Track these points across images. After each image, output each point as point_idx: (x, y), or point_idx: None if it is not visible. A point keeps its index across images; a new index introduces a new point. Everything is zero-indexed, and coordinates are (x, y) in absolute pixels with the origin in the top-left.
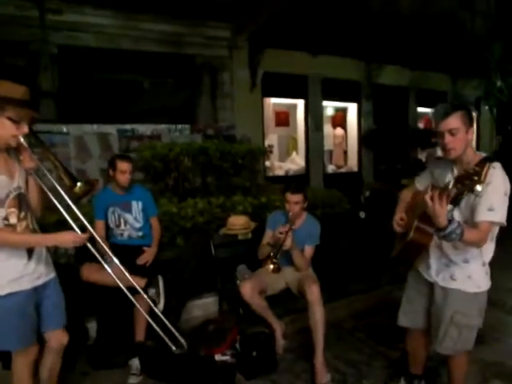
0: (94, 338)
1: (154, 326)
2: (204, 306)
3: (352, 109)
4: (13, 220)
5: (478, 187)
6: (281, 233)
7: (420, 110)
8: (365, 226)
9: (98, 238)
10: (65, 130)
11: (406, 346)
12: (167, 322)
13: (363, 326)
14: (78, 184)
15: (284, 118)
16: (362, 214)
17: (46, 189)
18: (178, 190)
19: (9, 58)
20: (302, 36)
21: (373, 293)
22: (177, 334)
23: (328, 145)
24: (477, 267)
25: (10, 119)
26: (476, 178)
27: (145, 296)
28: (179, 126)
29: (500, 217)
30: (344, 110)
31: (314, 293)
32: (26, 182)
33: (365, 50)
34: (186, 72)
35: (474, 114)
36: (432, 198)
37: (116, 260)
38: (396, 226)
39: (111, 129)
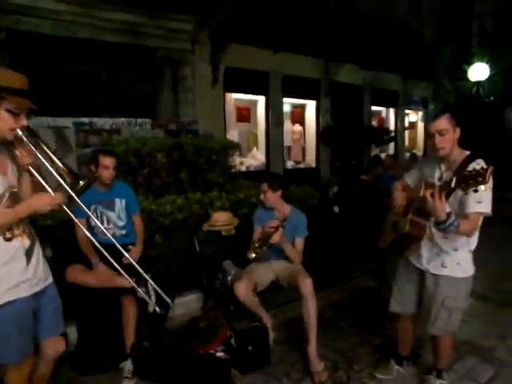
0: (74, 344)
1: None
2: (186, 304)
3: (311, 106)
4: None
5: (482, 187)
6: (271, 227)
7: (374, 108)
8: (338, 219)
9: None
10: None
11: (387, 331)
12: (151, 282)
13: (344, 316)
14: (81, 182)
15: (245, 114)
16: (336, 209)
17: (45, 185)
18: (151, 185)
19: None
20: (264, 33)
21: (347, 284)
22: (162, 294)
23: (287, 141)
24: (464, 254)
25: (9, 111)
26: (480, 179)
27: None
28: (139, 120)
29: (487, 208)
30: (303, 107)
31: (307, 286)
32: (18, 180)
33: (324, 48)
34: (146, 64)
35: (421, 113)
36: (432, 195)
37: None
38: (393, 217)
39: (67, 122)
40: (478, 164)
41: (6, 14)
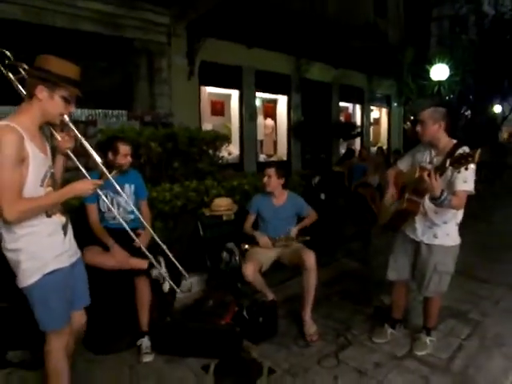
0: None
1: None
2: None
3: (282, 101)
4: None
5: (472, 165)
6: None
7: (341, 104)
8: (324, 206)
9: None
10: None
11: (376, 303)
12: (171, 255)
13: (335, 293)
14: (114, 172)
15: (219, 108)
16: (323, 196)
17: (82, 168)
18: (145, 174)
19: None
20: (239, 28)
21: (333, 265)
22: (180, 268)
23: (259, 135)
24: (453, 226)
25: (64, 98)
26: (470, 158)
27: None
28: (116, 112)
29: (471, 187)
30: (275, 102)
31: (311, 260)
32: (53, 161)
33: (295, 45)
34: (122, 55)
35: (385, 110)
36: (429, 176)
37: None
38: (390, 198)
39: None
40: (464, 150)
41: None
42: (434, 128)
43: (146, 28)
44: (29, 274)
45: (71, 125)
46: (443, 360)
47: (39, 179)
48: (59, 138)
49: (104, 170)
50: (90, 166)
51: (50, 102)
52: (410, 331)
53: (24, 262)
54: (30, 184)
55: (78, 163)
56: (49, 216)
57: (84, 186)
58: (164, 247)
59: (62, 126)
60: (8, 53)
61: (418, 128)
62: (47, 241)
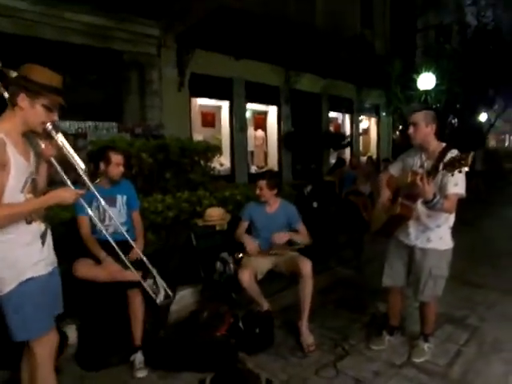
0: (75, 342)
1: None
2: (179, 300)
3: (272, 112)
4: None
5: (466, 168)
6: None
7: (331, 114)
8: (316, 214)
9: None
10: None
11: (372, 310)
12: (154, 272)
13: (331, 301)
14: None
15: (210, 119)
16: (315, 204)
17: (64, 176)
18: (136, 186)
19: None
20: (227, 39)
21: (327, 273)
22: (164, 284)
23: (250, 146)
24: (446, 230)
25: (45, 106)
26: (463, 162)
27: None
28: (106, 124)
29: (462, 189)
30: (265, 113)
31: (307, 268)
32: (36, 168)
33: (284, 57)
34: (112, 68)
35: (374, 119)
36: (421, 180)
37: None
38: (385, 202)
39: None
40: (453, 153)
41: None
42: (427, 130)
43: (136, 40)
44: (5, 283)
45: (54, 133)
46: (442, 367)
47: (20, 185)
48: (43, 146)
49: (85, 178)
50: (80, 181)
51: (31, 111)
52: (408, 338)
53: (0, 270)
54: (10, 190)
55: (61, 172)
56: (28, 223)
57: (65, 194)
58: (146, 261)
59: (46, 134)
60: None
61: (411, 130)
62: (24, 250)
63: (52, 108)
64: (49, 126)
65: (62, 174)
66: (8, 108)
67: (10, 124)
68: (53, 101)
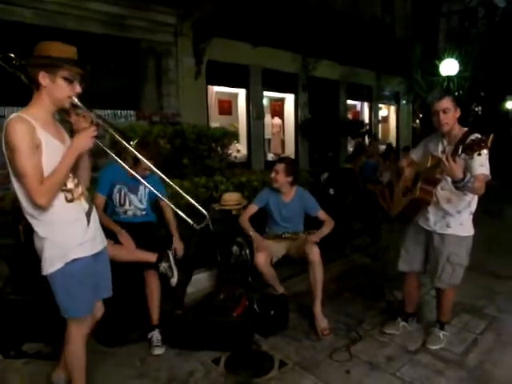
0: None
1: (174, 207)
2: (195, 283)
3: (289, 99)
4: (70, 185)
5: (485, 151)
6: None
7: (349, 102)
8: (333, 201)
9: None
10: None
11: (388, 298)
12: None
13: (346, 288)
14: (131, 143)
15: (227, 107)
16: (332, 191)
17: (100, 144)
18: None
19: None
20: (244, 27)
21: (343, 260)
22: (198, 206)
23: (267, 134)
24: (466, 216)
25: (65, 79)
26: (483, 144)
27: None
28: (124, 112)
29: (488, 170)
30: (282, 100)
31: (315, 254)
32: None
33: (302, 43)
34: (130, 56)
35: (394, 107)
36: (447, 160)
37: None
38: (405, 182)
39: None
40: (476, 136)
41: None
42: (456, 115)
43: (153, 28)
44: (51, 262)
45: (81, 105)
46: (457, 354)
47: (54, 166)
48: (73, 121)
49: (126, 144)
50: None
51: (53, 86)
52: (423, 326)
53: (47, 250)
54: (45, 170)
55: (97, 141)
56: (69, 201)
57: (83, 138)
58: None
59: (76, 111)
60: (12, 55)
61: (442, 117)
62: (68, 229)
63: (73, 79)
64: (75, 98)
65: (99, 143)
66: (34, 94)
67: (37, 108)
68: (72, 72)
